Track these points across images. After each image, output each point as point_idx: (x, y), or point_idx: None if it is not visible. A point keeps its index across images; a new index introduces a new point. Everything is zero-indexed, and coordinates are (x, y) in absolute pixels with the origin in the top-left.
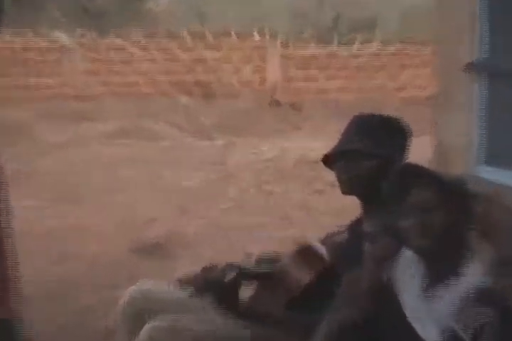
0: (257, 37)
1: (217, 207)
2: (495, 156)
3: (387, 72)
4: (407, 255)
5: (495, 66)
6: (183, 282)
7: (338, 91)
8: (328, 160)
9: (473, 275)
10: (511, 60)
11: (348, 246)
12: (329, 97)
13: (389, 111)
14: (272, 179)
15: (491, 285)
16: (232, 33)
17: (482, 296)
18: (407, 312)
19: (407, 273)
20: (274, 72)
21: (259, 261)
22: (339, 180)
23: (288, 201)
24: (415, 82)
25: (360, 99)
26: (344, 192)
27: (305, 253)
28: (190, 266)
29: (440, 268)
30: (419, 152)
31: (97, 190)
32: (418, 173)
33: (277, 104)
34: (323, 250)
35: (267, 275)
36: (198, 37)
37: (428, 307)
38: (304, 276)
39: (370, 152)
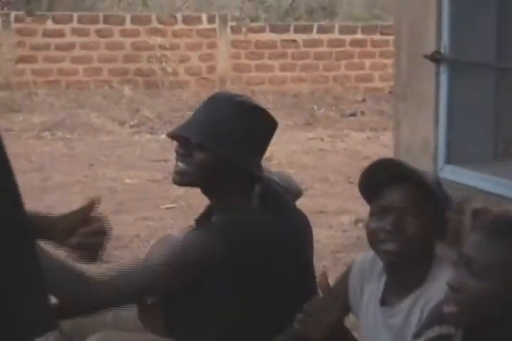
0: (205, 21)
1: (159, 207)
2: (456, 154)
3: (348, 61)
4: (365, 261)
5: (459, 57)
6: None
7: (295, 81)
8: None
9: (437, 287)
10: (474, 52)
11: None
12: (285, 88)
13: (350, 103)
14: None
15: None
16: (179, 16)
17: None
18: (362, 329)
19: (365, 282)
20: (223, 60)
21: None
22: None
23: None
24: (379, 72)
25: (319, 91)
26: (173, 181)
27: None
28: None
29: (403, 277)
30: (382, 148)
31: (29, 189)
32: (394, 171)
33: None
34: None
35: None
36: (142, 21)
37: (387, 323)
38: None
39: (203, 143)
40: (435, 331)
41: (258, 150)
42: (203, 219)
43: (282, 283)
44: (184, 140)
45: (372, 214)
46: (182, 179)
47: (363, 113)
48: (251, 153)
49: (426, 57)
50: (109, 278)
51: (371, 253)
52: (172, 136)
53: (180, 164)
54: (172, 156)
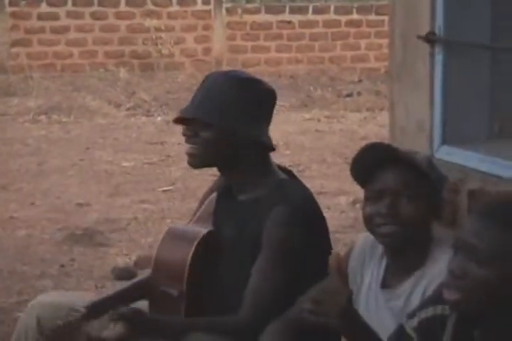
0: (200, 3)
1: (156, 190)
2: (452, 135)
3: (344, 42)
4: (365, 244)
5: (454, 37)
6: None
7: (291, 62)
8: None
9: (438, 269)
10: (469, 32)
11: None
12: (281, 70)
13: (347, 84)
14: None
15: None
16: None
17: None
18: (362, 312)
19: (365, 266)
20: (219, 41)
21: None
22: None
23: None
24: (375, 53)
25: (315, 71)
26: (189, 164)
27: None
28: (126, 254)
29: (403, 260)
30: (379, 128)
31: (25, 173)
32: (385, 154)
33: None
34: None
35: None
36: (137, 4)
37: (388, 305)
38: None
39: (206, 121)
40: (429, 312)
41: (263, 121)
42: (228, 197)
43: (324, 253)
44: (187, 121)
45: (366, 198)
46: (194, 160)
47: (359, 93)
48: (256, 124)
49: (420, 38)
50: (248, 307)
51: (371, 236)
52: (175, 121)
53: (188, 146)
54: (168, 139)
